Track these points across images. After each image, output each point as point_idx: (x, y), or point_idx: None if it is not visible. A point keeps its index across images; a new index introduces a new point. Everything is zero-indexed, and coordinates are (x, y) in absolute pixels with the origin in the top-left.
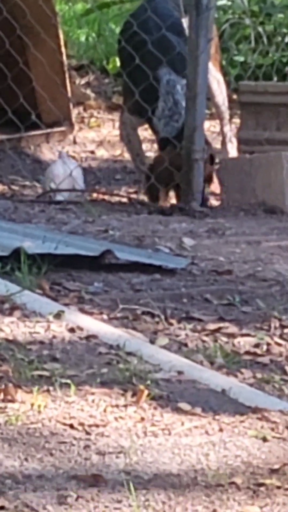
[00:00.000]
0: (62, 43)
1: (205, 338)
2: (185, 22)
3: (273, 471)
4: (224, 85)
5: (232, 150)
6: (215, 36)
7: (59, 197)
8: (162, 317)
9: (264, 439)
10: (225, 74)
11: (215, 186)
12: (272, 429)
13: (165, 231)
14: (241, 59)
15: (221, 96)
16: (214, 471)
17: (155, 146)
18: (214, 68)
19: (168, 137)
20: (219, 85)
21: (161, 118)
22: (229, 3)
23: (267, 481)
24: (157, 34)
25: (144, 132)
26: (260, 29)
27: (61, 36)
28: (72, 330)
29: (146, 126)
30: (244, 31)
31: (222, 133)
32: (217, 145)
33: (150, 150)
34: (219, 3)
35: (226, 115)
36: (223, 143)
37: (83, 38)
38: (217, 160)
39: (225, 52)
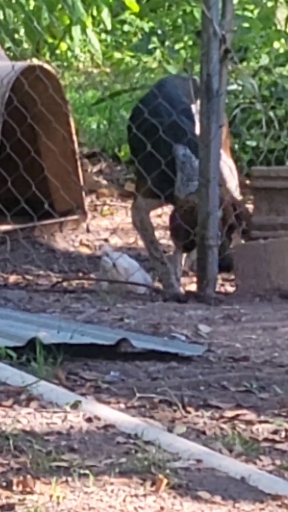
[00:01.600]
0: (73, 131)
1: (223, 426)
2: (194, 107)
3: None
4: (236, 171)
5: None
6: (226, 121)
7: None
8: (180, 405)
9: None
10: (237, 159)
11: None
12: None
13: (181, 318)
14: (253, 144)
15: (232, 182)
16: None
17: (169, 232)
18: (225, 153)
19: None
20: (231, 171)
21: (180, 186)
22: (240, 88)
23: None
24: (169, 118)
25: (157, 219)
26: (271, 113)
27: (72, 124)
28: (89, 420)
29: (159, 212)
30: (255, 116)
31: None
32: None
33: (164, 237)
34: (230, 88)
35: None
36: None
37: (94, 126)
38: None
39: (236, 137)
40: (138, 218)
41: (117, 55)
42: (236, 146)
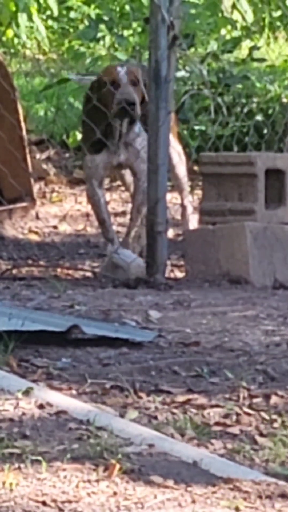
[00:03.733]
0: (21, 118)
1: (174, 410)
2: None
3: None
4: (184, 157)
5: (194, 222)
6: (173, 107)
7: None
8: (131, 390)
9: (237, 509)
10: (186, 145)
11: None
12: (245, 499)
13: (131, 304)
14: (202, 128)
15: (181, 168)
16: None
17: (118, 219)
18: (173, 139)
19: None
20: (179, 157)
21: None
22: (188, 74)
23: None
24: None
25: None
26: (219, 99)
27: (20, 111)
28: (41, 406)
29: (107, 199)
30: (204, 102)
31: (182, 205)
32: (179, 216)
33: (113, 224)
34: (178, 74)
35: (187, 186)
36: (184, 215)
37: (42, 113)
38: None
39: (185, 123)
40: (91, 191)
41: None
42: (185, 132)
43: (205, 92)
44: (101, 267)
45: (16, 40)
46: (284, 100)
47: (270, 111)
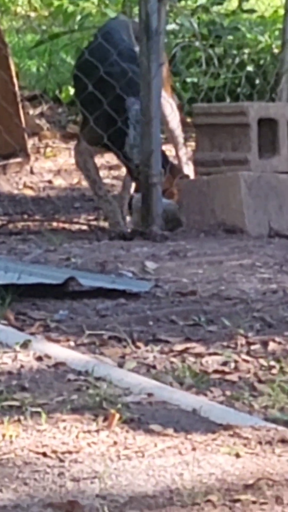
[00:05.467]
0: (13, 74)
1: (173, 359)
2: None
3: (247, 487)
4: (177, 109)
5: (189, 173)
6: (165, 60)
7: None
8: (129, 341)
9: (237, 455)
10: (178, 97)
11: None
12: (245, 445)
13: (127, 256)
14: (194, 80)
15: (174, 120)
16: (189, 490)
17: (113, 172)
18: (165, 92)
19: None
20: (172, 110)
21: (133, 146)
22: (178, 27)
23: (242, 497)
24: (118, 63)
25: (101, 159)
26: (210, 51)
27: (12, 67)
28: (39, 358)
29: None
30: (195, 54)
31: (177, 157)
32: None
33: (108, 177)
34: (169, 27)
35: (180, 139)
36: (179, 166)
37: (34, 69)
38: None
39: (177, 75)
40: (81, 159)
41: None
42: (177, 85)
43: (196, 44)
44: (132, 222)
45: None
46: (275, 50)
47: (261, 62)
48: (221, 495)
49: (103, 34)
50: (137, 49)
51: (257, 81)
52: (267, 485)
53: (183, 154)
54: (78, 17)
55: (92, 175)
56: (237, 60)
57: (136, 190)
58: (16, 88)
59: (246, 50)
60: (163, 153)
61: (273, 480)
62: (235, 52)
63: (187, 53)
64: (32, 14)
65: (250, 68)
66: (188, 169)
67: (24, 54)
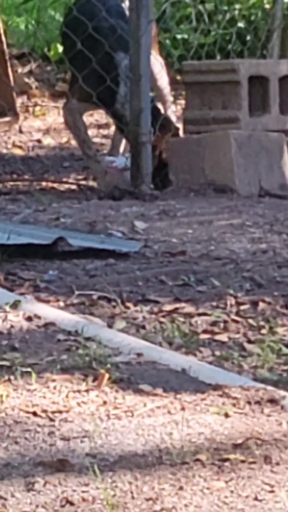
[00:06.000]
0: (1, 32)
1: (162, 320)
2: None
3: (236, 446)
4: (165, 68)
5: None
6: (154, 17)
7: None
8: (119, 301)
9: (226, 415)
10: (167, 55)
11: None
12: (234, 405)
13: (117, 216)
14: (184, 36)
15: (163, 79)
16: (179, 449)
17: (102, 131)
18: (154, 51)
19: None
20: (161, 68)
21: (124, 102)
22: None
23: (231, 456)
24: (106, 22)
25: (90, 117)
26: (200, 7)
27: (0, 25)
28: (29, 319)
29: (91, 112)
30: (185, 10)
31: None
32: None
33: (97, 136)
34: None
35: (169, 97)
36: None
37: (22, 26)
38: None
39: (167, 32)
40: (70, 118)
41: None
42: (167, 42)
43: (186, 0)
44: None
45: None
46: (267, 6)
47: (252, 18)
48: (210, 455)
49: None
50: (125, 5)
51: (248, 38)
52: (255, 445)
53: (171, 112)
54: None
55: (81, 134)
56: (227, 16)
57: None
58: (4, 46)
59: (237, 6)
60: (156, 109)
61: (261, 439)
62: (225, 8)
63: (177, 9)
64: None
65: (241, 24)
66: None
67: (12, 11)
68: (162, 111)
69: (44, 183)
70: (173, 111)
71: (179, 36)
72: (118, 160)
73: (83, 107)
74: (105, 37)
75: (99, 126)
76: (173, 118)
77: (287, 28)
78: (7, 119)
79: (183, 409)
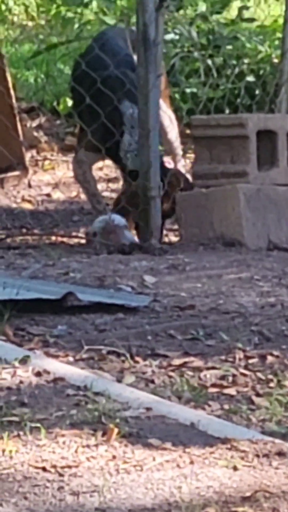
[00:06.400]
0: (10, 85)
1: (171, 374)
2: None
3: (245, 499)
4: (176, 121)
5: None
6: (164, 71)
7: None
8: (128, 355)
9: (235, 468)
10: (177, 109)
11: None
12: (242, 458)
13: (126, 270)
14: (193, 90)
15: (173, 132)
16: (188, 503)
17: (111, 185)
18: (164, 104)
19: (136, 169)
20: (171, 121)
21: (128, 151)
22: (177, 37)
23: (240, 509)
24: (113, 71)
25: (99, 172)
26: (209, 61)
27: (9, 78)
28: (38, 374)
29: (100, 165)
30: (194, 64)
31: None
32: None
33: (106, 190)
34: (167, 36)
35: (179, 151)
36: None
37: (31, 80)
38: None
39: (176, 86)
40: (80, 171)
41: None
42: (176, 95)
43: (195, 55)
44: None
45: (3, 7)
46: (275, 60)
47: (261, 72)
48: (219, 508)
49: (99, 42)
50: (134, 56)
51: (257, 92)
52: (264, 497)
53: (181, 166)
54: (76, 25)
55: (90, 188)
56: (236, 70)
57: (122, 194)
58: (13, 100)
59: (246, 60)
60: (163, 164)
61: (270, 492)
62: (234, 62)
63: (186, 63)
64: (30, 24)
65: (249, 78)
66: None
67: (22, 65)
68: (172, 165)
69: (53, 238)
70: (183, 165)
71: (188, 90)
72: (117, 218)
73: (92, 157)
74: (111, 88)
75: (109, 180)
76: (183, 172)
77: None
78: (16, 173)
79: (192, 462)
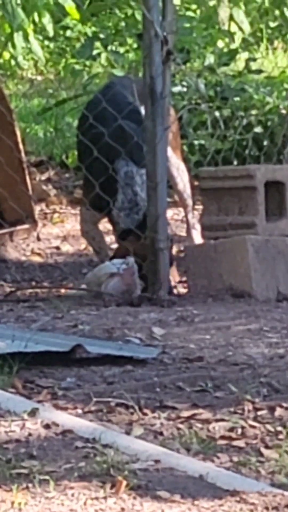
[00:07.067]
0: (19, 140)
1: (180, 426)
2: (143, 109)
3: None
4: (186, 172)
5: (197, 237)
6: (175, 122)
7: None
8: (136, 407)
9: None
10: (185, 160)
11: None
12: (251, 511)
13: (135, 322)
14: (201, 142)
15: (182, 184)
16: None
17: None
18: (174, 155)
19: (129, 228)
20: (181, 173)
21: (121, 210)
22: (185, 89)
23: None
24: (113, 125)
25: (107, 224)
26: (217, 113)
27: (18, 133)
28: (47, 426)
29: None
30: (202, 116)
31: (186, 220)
32: (181, 233)
33: (115, 243)
34: (175, 89)
35: (190, 202)
36: (188, 230)
37: (41, 134)
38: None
39: (184, 138)
40: (85, 228)
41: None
42: (184, 147)
43: (202, 107)
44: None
45: (12, 62)
46: (283, 111)
47: (268, 123)
48: None
49: (105, 94)
50: (141, 109)
51: (265, 143)
52: None
53: (191, 217)
54: (85, 78)
55: (96, 243)
56: (244, 121)
57: (114, 256)
58: (22, 154)
59: (253, 112)
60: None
61: None
62: (242, 113)
63: (194, 115)
64: (39, 78)
65: (257, 129)
66: (197, 234)
67: (31, 119)
68: (181, 215)
69: (62, 290)
70: (192, 216)
71: (196, 142)
72: (130, 261)
73: (94, 216)
74: (107, 145)
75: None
76: (192, 223)
77: None
78: (25, 226)
79: None
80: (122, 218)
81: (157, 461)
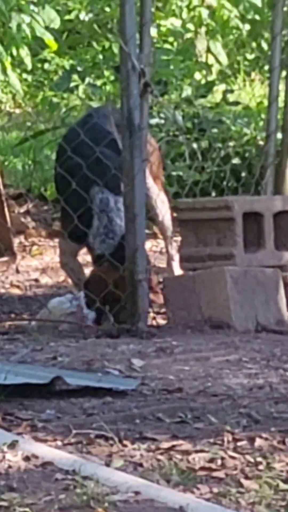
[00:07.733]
0: None
1: (160, 457)
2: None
3: None
4: (167, 203)
5: (177, 269)
6: (157, 152)
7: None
8: (116, 439)
9: None
10: (166, 190)
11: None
12: None
13: (114, 354)
14: (180, 173)
15: (162, 215)
16: None
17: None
18: (156, 186)
19: (104, 253)
20: (160, 204)
21: (96, 236)
22: (162, 121)
23: None
24: (89, 154)
25: (86, 256)
26: (194, 145)
27: None
28: (27, 458)
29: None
30: (179, 148)
31: (167, 251)
32: (161, 264)
33: None
34: (152, 121)
35: (169, 233)
36: (168, 262)
37: (19, 166)
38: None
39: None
40: (64, 259)
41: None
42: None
43: (180, 139)
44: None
45: None
46: (260, 142)
47: (246, 154)
48: None
49: (82, 120)
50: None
51: (242, 174)
52: None
53: (171, 249)
54: (63, 110)
55: (75, 275)
56: (222, 153)
57: (88, 281)
58: (1, 187)
59: (231, 143)
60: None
61: None
62: (219, 145)
63: (172, 147)
64: (17, 111)
65: (235, 161)
66: (176, 265)
67: (9, 152)
68: (160, 247)
69: (41, 322)
70: (173, 247)
71: (174, 174)
72: (91, 314)
73: (73, 247)
74: (82, 174)
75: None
76: (172, 255)
77: (281, 164)
78: (4, 259)
79: None
80: (97, 244)
81: (137, 493)
